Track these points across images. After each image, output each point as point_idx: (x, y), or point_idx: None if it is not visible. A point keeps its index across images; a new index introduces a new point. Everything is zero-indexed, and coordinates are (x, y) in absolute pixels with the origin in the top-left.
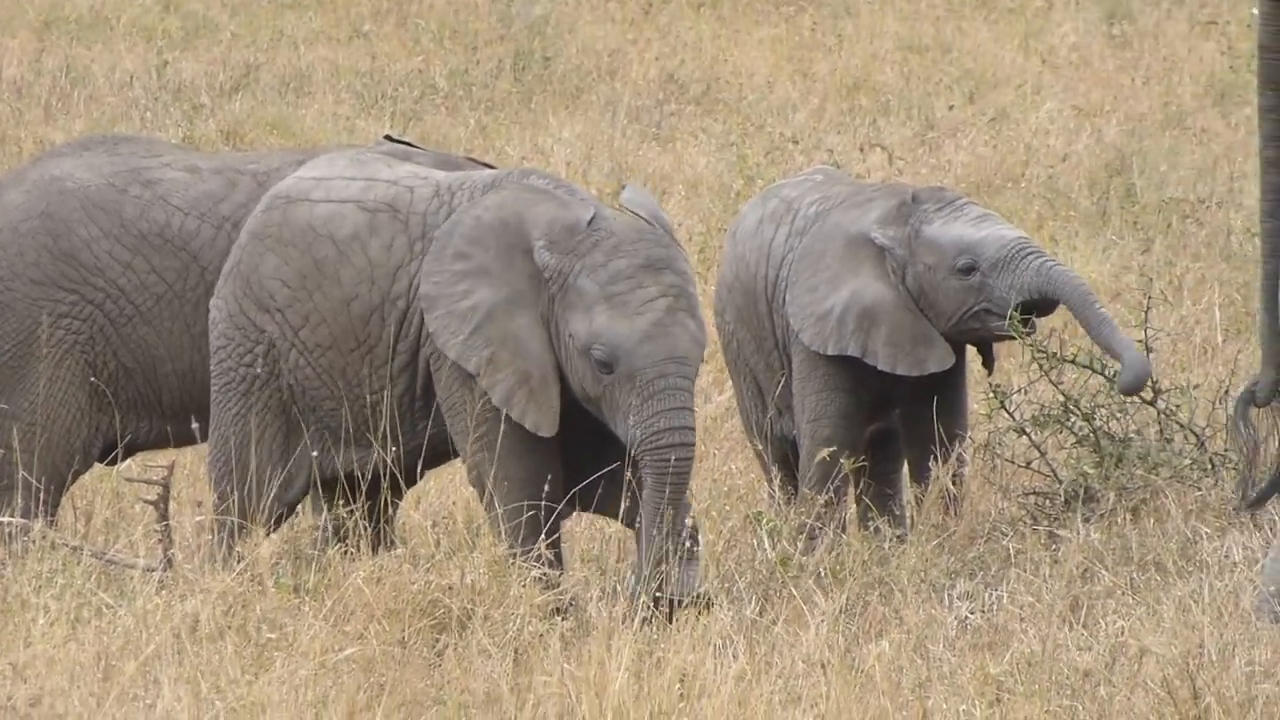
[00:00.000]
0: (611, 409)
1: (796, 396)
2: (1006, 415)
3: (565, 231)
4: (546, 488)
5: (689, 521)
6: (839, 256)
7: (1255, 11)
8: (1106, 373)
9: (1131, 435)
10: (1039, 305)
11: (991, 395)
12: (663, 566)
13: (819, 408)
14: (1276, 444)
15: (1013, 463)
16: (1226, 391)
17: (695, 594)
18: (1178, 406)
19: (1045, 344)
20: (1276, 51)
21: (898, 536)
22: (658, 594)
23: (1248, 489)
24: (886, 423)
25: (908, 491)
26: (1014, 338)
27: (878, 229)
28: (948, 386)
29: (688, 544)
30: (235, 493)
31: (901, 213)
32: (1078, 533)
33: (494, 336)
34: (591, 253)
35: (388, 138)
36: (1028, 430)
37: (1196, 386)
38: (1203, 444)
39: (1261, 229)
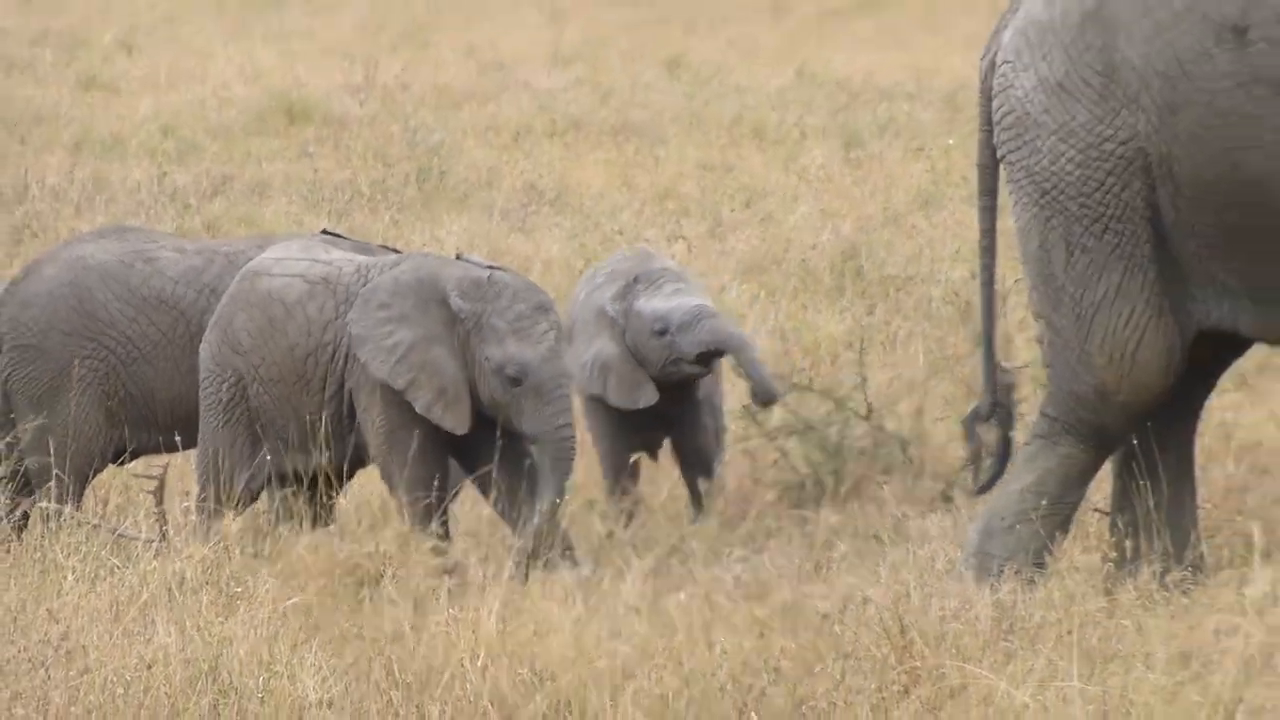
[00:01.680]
0: (517, 412)
1: (588, 419)
2: (757, 426)
3: (473, 285)
4: (437, 483)
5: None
6: (591, 323)
7: (951, 142)
8: (835, 397)
9: (850, 438)
10: (717, 353)
11: (745, 411)
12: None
13: (601, 429)
14: (995, 446)
15: (764, 464)
16: (920, 410)
17: (586, 572)
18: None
19: (797, 375)
20: (988, 167)
21: (691, 518)
22: (517, 560)
23: (976, 479)
24: (665, 435)
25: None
26: (707, 372)
27: (610, 303)
28: (698, 413)
29: (568, 549)
30: (213, 485)
31: (625, 291)
32: (820, 514)
33: (415, 363)
34: (496, 300)
35: (325, 231)
36: (776, 437)
37: (886, 398)
38: (905, 449)
39: (980, 293)
